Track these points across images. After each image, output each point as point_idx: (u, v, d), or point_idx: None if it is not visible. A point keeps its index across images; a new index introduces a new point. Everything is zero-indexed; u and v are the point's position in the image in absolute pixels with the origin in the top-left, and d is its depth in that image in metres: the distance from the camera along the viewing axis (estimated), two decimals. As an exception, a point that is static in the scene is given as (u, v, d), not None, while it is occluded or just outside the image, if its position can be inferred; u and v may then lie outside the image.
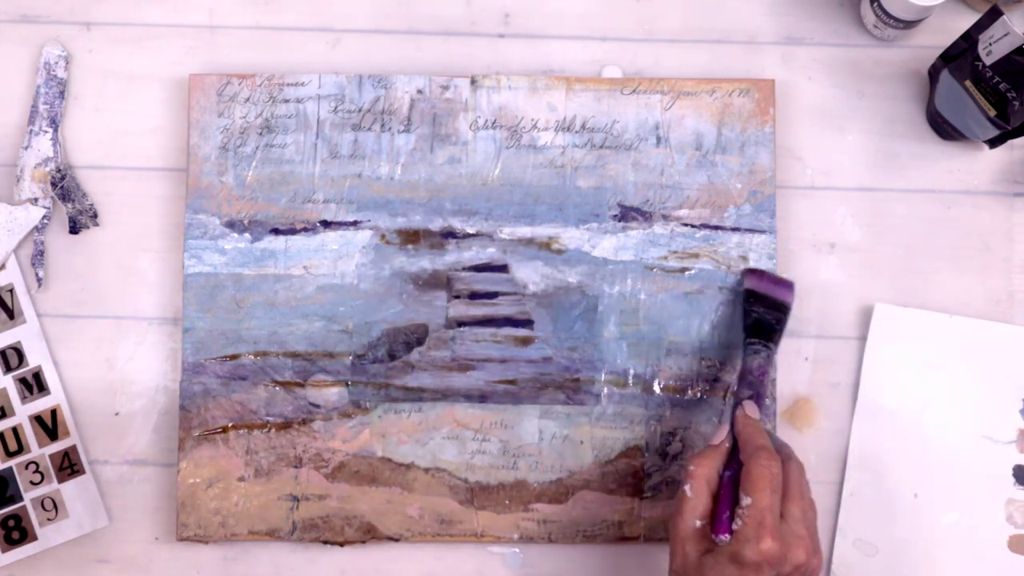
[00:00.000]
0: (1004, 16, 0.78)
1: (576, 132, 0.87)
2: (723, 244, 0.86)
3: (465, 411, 0.85)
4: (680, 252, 0.86)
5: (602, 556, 0.86)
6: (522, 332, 0.86)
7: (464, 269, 0.86)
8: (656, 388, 0.85)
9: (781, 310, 0.83)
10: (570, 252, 0.86)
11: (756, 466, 0.72)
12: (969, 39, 0.82)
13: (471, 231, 0.86)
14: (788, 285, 0.84)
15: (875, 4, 0.86)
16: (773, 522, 0.71)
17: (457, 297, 0.86)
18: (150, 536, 0.86)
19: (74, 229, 0.87)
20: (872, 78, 0.89)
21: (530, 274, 0.86)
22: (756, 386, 0.79)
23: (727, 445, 0.76)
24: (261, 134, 0.86)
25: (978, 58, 0.80)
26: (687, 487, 0.73)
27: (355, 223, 0.86)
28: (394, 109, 0.87)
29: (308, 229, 0.86)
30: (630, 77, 0.88)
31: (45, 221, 0.87)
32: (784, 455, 0.76)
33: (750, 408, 0.78)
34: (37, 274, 0.87)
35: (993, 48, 0.79)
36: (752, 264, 0.86)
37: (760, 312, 0.82)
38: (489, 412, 0.85)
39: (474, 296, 0.86)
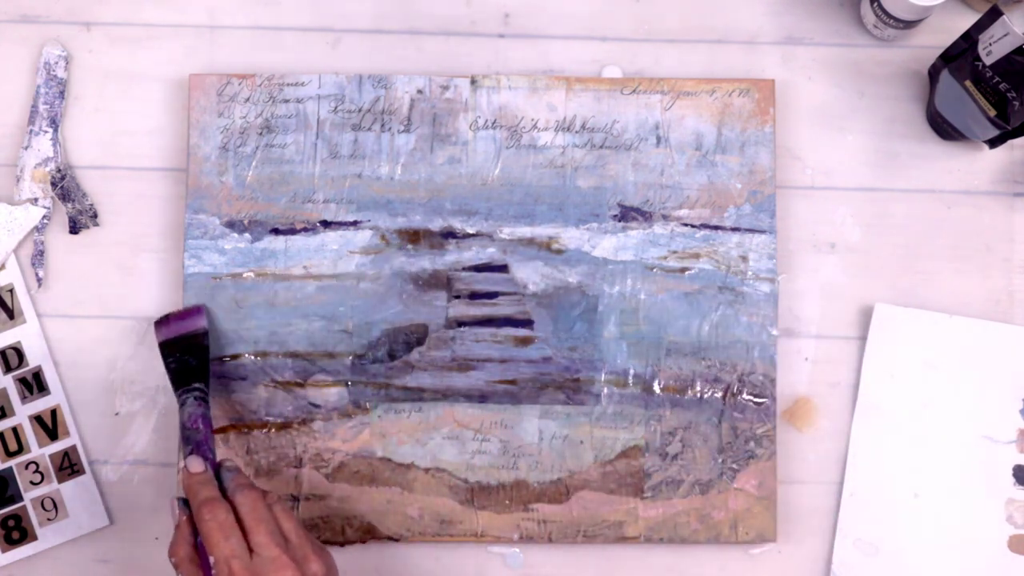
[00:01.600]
0: (1004, 16, 0.78)
1: (576, 132, 0.87)
2: (723, 244, 0.86)
3: (465, 411, 0.85)
4: (680, 252, 0.86)
5: (602, 556, 0.86)
6: (522, 332, 0.86)
7: (464, 269, 0.86)
8: (656, 388, 0.85)
9: (198, 339, 0.82)
10: (570, 252, 0.86)
11: (203, 523, 0.72)
12: (969, 39, 0.82)
13: (471, 231, 0.86)
14: (196, 311, 0.83)
15: (875, 4, 0.86)
16: (241, 566, 0.71)
17: (457, 297, 0.86)
18: (150, 536, 0.86)
19: (74, 229, 0.87)
20: (872, 78, 0.89)
21: (530, 274, 0.86)
22: (194, 436, 0.78)
23: (185, 516, 0.75)
24: (261, 134, 0.86)
25: (978, 58, 0.80)
26: None
27: (355, 223, 0.86)
28: (394, 109, 0.87)
29: (308, 229, 0.86)
30: (630, 77, 0.88)
31: (45, 221, 0.87)
32: (234, 487, 0.75)
33: (192, 464, 0.76)
34: (37, 274, 0.87)
35: (993, 48, 0.79)
36: (751, 264, 0.86)
37: (176, 358, 0.81)
38: (489, 412, 0.85)
39: (474, 296, 0.86)
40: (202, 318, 0.83)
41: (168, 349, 0.82)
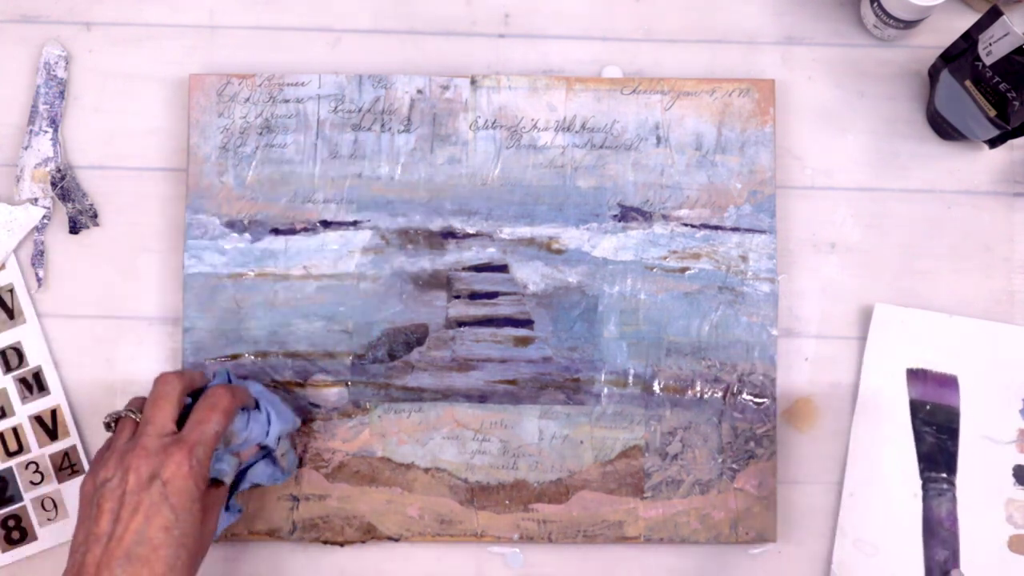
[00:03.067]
0: (1004, 16, 0.78)
1: (576, 132, 0.87)
2: (723, 244, 0.86)
3: (465, 411, 0.85)
4: (680, 252, 0.86)
5: (602, 556, 0.86)
6: (522, 332, 0.86)
7: (464, 269, 0.86)
8: (656, 388, 0.85)
9: (951, 420, 0.78)
10: (570, 252, 0.86)
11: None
12: (969, 39, 0.82)
13: (471, 231, 0.86)
14: (952, 382, 0.80)
15: (875, 4, 0.86)
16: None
17: (457, 297, 0.86)
18: (150, 536, 0.86)
19: (74, 229, 0.87)
20: (872, 78, 0.89)
21: (530, 274, 0.86)
22: (952, 543, 0.74)
23: None
24: (261, 134, 0.86)
25: (978, 58, 0.80)
26: None
27: (355, 223, 0.86)
28: (394, 109, 0.87)
29: (308, 229, 0.86)
30: (630, 77, 0.88)
31: (45, 221, 0.87)
32: None
33: None
34: (37, 274, 0.87)
35: (993, 48, 0.79)
36: (751, 264, 0.86)
37: (933, 432, 0.74)
38: (489, 412, 0.85)
39: (474, 296, 0.86)
40: (957, 396, 0.79)
41: (921, 411, 0.79)
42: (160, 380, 0.76)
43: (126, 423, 0.76)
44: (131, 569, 0.69)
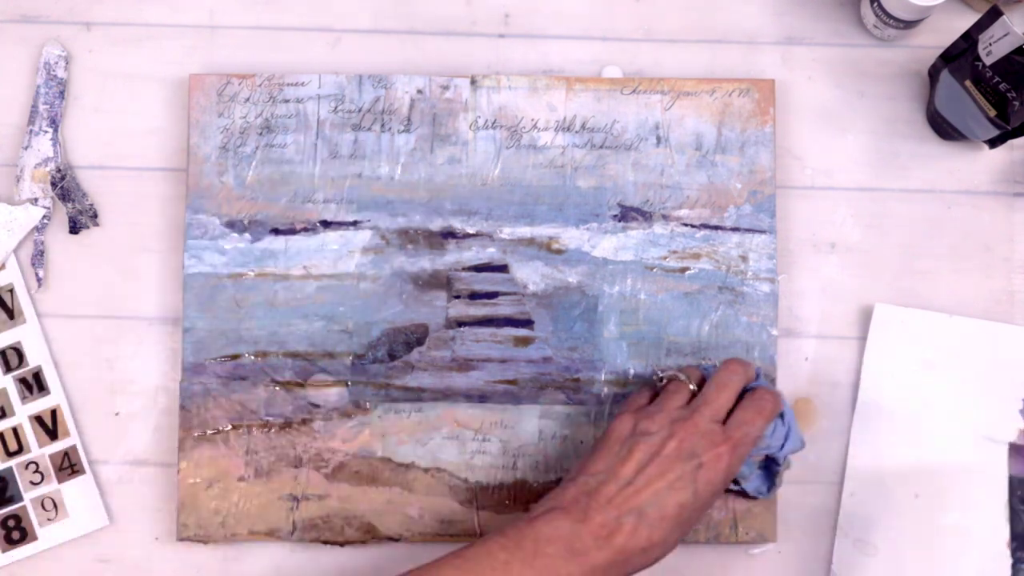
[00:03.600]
0: (1004, 16, 0.78)
1: (576, 132, 0.87)
2: (723, 244, 0.86)
3: (465, 411, 0.85)
4: (680, 252, 0.86)
5: (602, 556, 0.86)
6: (522, 332, 0.86)
7: (464, 269, 0.86)
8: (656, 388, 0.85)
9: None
10: (570, 252, 0.86)
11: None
12: (969, 39, 0.82)
13: (471, 231, 0.86)
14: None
15: (875, 4, 0.86)
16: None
17: (457, 297, 0.86)
18: (150, 536, 0.86)
19: (74, 229, 0.87)
20: (872, 78, 0.89)
21: (530, 274, 0.86)
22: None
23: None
24: (261, 134, 0.86)
25: (978, 58, 0.80)
26: None
27: (355, 223, 0.86)
28: (394, 109, 0.87)
29: (308, 229, 0.86)
30: (630, 77, 0.88)
31: (45, 221, 0.87)
32: None
33: None
34: (37, 274, 0.87)
35: (993, 48, 0.79)
36: (751, 264, 0.86)
37: None
38: (489, 412, 0.85)
39: (474, 296, 0.86)
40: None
41: (1020, 488, 0.81)
42: (728, 367, 0.78)
43: (681, 389, 0.78)
44: (636, 523, 0.72)
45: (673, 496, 0.73)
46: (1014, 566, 0.77)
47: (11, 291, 0.87)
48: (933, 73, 0.87)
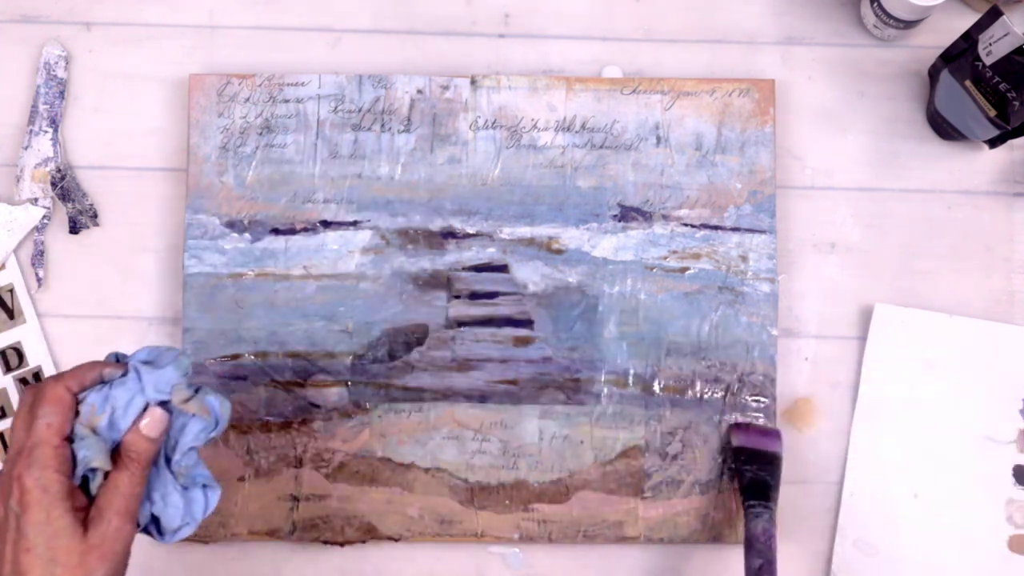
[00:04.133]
0: (1004, 16, 0.78)
1: (576, 132, 0.87)
2: (723, 244, 0.86)
3: (465, 411, 0.85)
4: (680, 252, 0.86)
5: (602, 556, 0.86)
6: (522, 332, 0.86)
7: (464, 269, 0.86)
8: (656, 388, 0.85)
9: (773, 463, 0.83)
10: (570, 252, 0.86)
11: None
12: (969, 39, 0.82)
13: (471, 231, 0.86)
14: (776, 435, 0.84)
15: (875, 4, 0.86)
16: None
17: (457, 297, 0.86)
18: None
19: (74, 229, 0.87)
20: (872, 78, 0.89)
21: (530, 274, 0.86)
22: (765, 553, 0.79)
23: None
24: (261, 134, 0.86)
25: (978, 58, 0.80)
26: None
27: (355, 223, 0.86)
28: (394, 109, 0.87)
29: (308, 229, 0.86)
30: (630, 77, 0.88)
31: (45, 221, 0.87)
32: None
33: None
34: (37, 274, 0.87)
35: (993, 48, 0.79)
36: (751, 264, 0.86)
37: (753, 470, 0.82)
38: (489, 412, 0.85)
39: (474, 296, 0.86)
40: (780, 445, 0.83)
41: (745, 456, 0.83)
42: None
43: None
44: None
45: (19, 552, 0.62)
46: (746, 511, 0.81)
47: (11, 291, 0.87)
48: (933, 73, 0.87)
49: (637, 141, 0.87)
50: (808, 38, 0.90)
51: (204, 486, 0.71)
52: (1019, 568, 0.84)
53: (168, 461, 0.69)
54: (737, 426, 0.84)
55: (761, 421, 0.85)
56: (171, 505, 0.70)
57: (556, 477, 0.85)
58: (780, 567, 0.85)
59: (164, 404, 0.68)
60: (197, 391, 0.69)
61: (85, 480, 0.66)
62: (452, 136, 0.87)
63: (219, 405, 0.70)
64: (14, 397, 0.86)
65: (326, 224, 0.86)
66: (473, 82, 0.87)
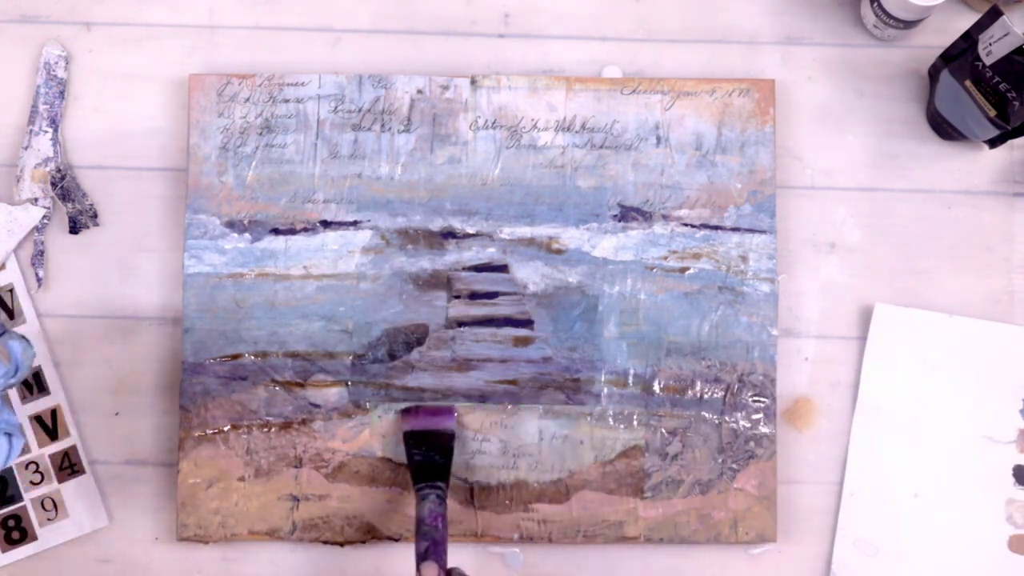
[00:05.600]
0: (1004, 16, 0.78)
1: (576, 132, 0.87)
2: (723, 244, 0.86)
3: (465, 411, 0.85)
4: (680, 252, 0.86)
5: (602, 556, 0.86)
6: (522, 332, 0.86)
7: (464, 269, 0.86)
8: (656, 388, 0.85)
9: (445, 440, 0.83)
10: (570, 252, 0.86)
11: None
12: (969, 39, 0.82)
13: (471, 231, 0.86)
14: (448, 412, 0.84)
15: (875, 4, 0.86)
16: None
17: (457, 297, 0.86)
18: (150, 536, 0.86)
19: (74, 229, 0.87)
20: (872, 78, 0.89)
21: (530, 274, 0.86)
22: (432, 534, 0.77)
23: None
24: (261, 134, 0.86)
25: (978, 58, 0.80)
26: None
27: (355, 223, 0.86)
28: (394, 109, 0.87)
29: (308, 229, 0.86)
30: (630, 77, 0.88)
31: (45, 221, 0.87)
32: None
33: (427, 570, 0.75)
34: (37, 274, 0.87)
35: (993, 48, 0.79)
36: (751, 264, 0.86)
37: (423, 452, 0.82)
38: (489, 412, 0.85)
39: (474, 296, 0.86)
40: (452, 420, 0.84)
41: (413, 440, 0.83)
42: None
43: None
44: None
45: None
46: (417, 492, 0.80)
47: (11, 291, 0.87)
48: (933, 73, 0.87)
49: (637, 141, 0.87)
50: (808, 38, 0.90)
51: (8, 434, 0.69)
52: (1019, 568, 0.84)
53: None
54: (406, 411, 0.84)
55: (761, 421, 0.85)
56: None
57: (556, 477, 0.85)
58: (779, 567, 0.85)
59: None
60: (1, 335, 0.68)
61: None
62: (452, 136, 0.87)
63: (21, 351, 0.68)
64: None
65: (326, 224, 0.86)
66: (473, 82, 0.87)
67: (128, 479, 0.86)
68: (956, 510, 0.85)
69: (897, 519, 0.85)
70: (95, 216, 0.88)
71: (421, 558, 0.76)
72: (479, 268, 0.86)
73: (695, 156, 0.87)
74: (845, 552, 0.85)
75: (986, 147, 0.87)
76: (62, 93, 0.88)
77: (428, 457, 0.82)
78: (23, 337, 0.69)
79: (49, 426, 0.86)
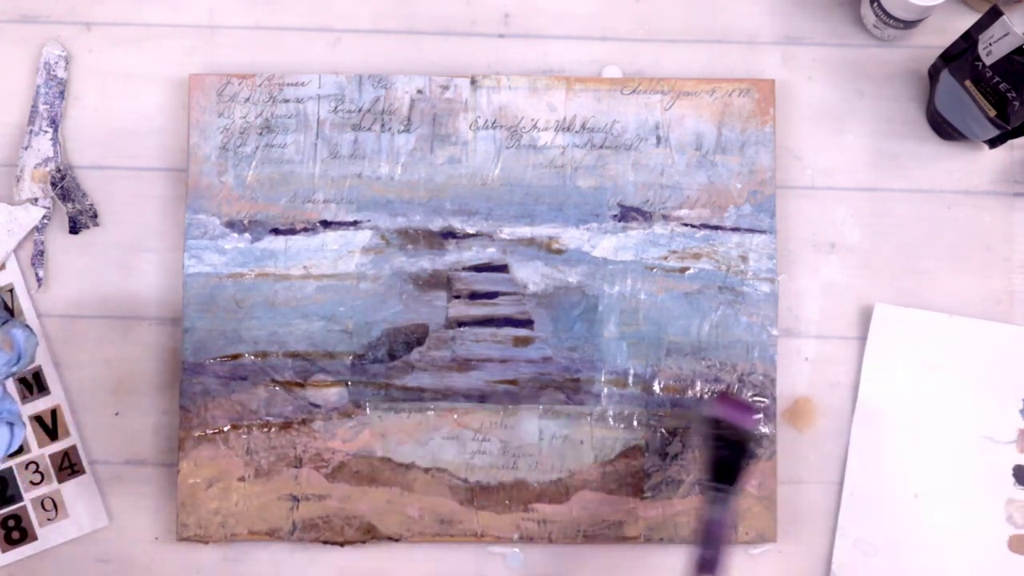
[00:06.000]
0: (1004, 16, 0.78)
1: (576, 132, 0.87)
2: (723, 244, 0.86)
3: (465, 411, 0.85)
4: (680, 252, 0.86)
5: (602, 556, 0.86)
6: (522, 332, 0.86)
7: (464, 269, 0.86)
8: (656, 388, 0.85)
9: (748, 440, 0.79)
10: (570, 252, 0.86)
11: None
12: (969, 39, 0.82)
13: (471, 231, 0.86)
14: (755, 411, 0.82)
15: (875, 4, 0.86)
16: None
17: (457, 297, 0.86)
18: (150, 536, 0.86)
19: (74, 229, 0.87)
20: (872, 78, 0.89)
21: (530, 274, 0.86)
22: (717, 544, 0.75)
23: None
24: (261, 134, 0.86)
25: (978, 58, 0.80)
26: None
27: (355, 223, 0.86)
28: (394, 109, 0.87)
29: (308, 229, 0.86)
30: (630, 77, 0.88)
31: (45, 221, 0.87)
32: None
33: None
34: (37, 274, 0.87)
35: (993, 48, 0.79)
36: (751, 264, 0.86)
37: (723, 448, 0.78)
38: (489, 412, 0.85)
39: (474, 296, 0.86)
40: (758, 423, 0.81)
41: (719, 429, 0.78)
42: None
43: None
44: None
45: None
46: (706, 495, 0.77)
47: (11, 291, 0.87)
48: (933, 73, 0.87)
49: (637, 141, 0.87)
50: (808, 38, 0.90)
51: (10, 424, 0.69)
52: (1019, 568, 0.84)
53: None
54: (722, 397, 0.81)
55: (761, 421, 0.85)
56: None
57: (556, 477, 0.85)
58: (779, 567, 0.85)
59: None
60: (4, 323, 0.68)
61: None
62: (452, 136, 0.87)
63: (24, 339, 0.68)
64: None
65: (326, 224, 0.86)
66: (473, 82, 0.87)
67: (128, 479, 0.86)
68: (956, 510, 0.85)
69: (897, 519, 0.85)
70: (95, 216, 0.88)
71: (705, 567, 0.73)
72: (479, 268, 0.86)
73: (695, 156, 0.87)
74: (845, 552, 0.85)
75: (986, 147, 0.87)
76: (62, 93, 0.88)
77: (730, 453, 0.77)
78: (26, 325, 0.69)
79: (49, 426, 0.86)
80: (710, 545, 0.75)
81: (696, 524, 0.76)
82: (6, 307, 0.86)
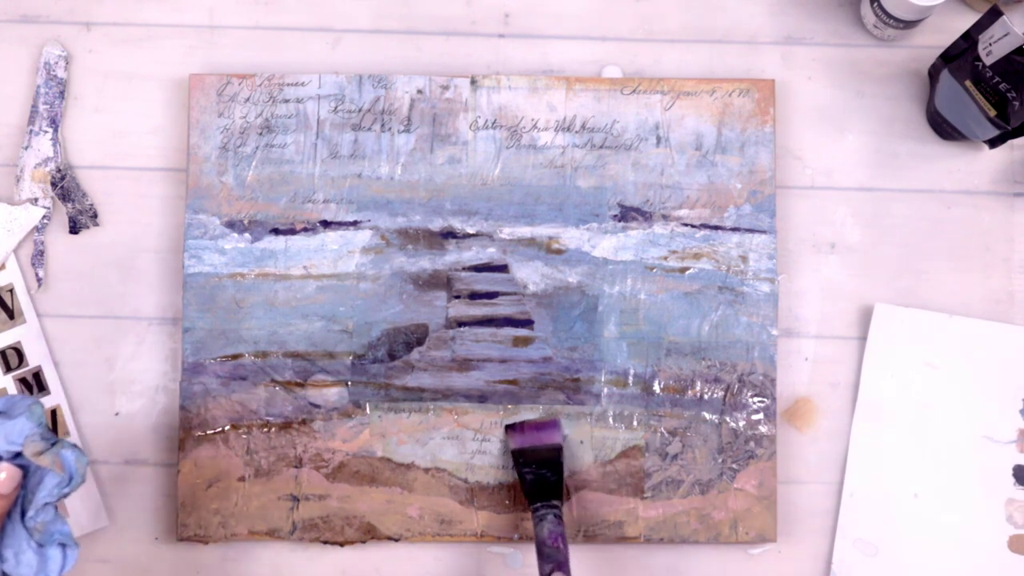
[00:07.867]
0: (1004, 16, 0.78)
1: (576, 132, 0.87)
2: (723, 244, 0.86)
3: (465, 411, 0.85)
4: (680, 252, 0.86)
5: (602, 556, 0.86)
6: (522, 332, 0.86)
7: (464, 269, 0.86)
8: (656, 388, 0.85)
9: (554, 455, 0.82)
10: (570, 252, 0.86)
11: None
12: (969, 39, 0.82)
13: (471, 231, 0.86)
14: (552, 424, 0.83)
15: (875, 4, 0.86)
16: None
17: (457, 297, 0.86)
18: (150, 536, 0.86)
19: (74, 229, 0.87)
20: (872, 78, 0.89)
21: (530, 274, 0.86)
22: (555, 556, 0.77)
23: None
24: (261, 134, 0.86)
25: (978, 58, 0.80)
26: None
27: (355, 223, 0.86)
28: (394, 109, 0.87)
29: (308, 229, 0.86)
30: (630, 77, 0.88)
31: (45, 221, 0.87)
32: None
33: None
34: (37, 274, 0.87)
35: (993, 48, 0.79)
36: (751, 264, 0.86)
37: (533, 471, 0.81)
38: (489, 412, 0.85)
39: (474, 296, 0.86)
40: (558, 433, 0.83)
41: (523, 458, 0.82)
42: None
43: None
44: None
45: None
46: (534, 513, 0.79)
47: (11, 291, 0.87)
48: (933, 73, 0.87)
49: (637, 141, 0.87)
50: (808, 38, 0.90)
51: (63, 545, 0.68)
52: (1019, 568, 0.84)
53: (25, 516, 0.68)
54: (511, 427, 0.84)
55: (761, 421, 0.85)
56: (24, 564, 0.67)
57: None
58: (779, 567, 0.85)
59: (20, 457, 0.67)
60: (54, 444, 0.68)
61: None
62: (452, 136, 0.87)
63: (74, 460, 0.68)
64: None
65: (326, 224, 0.86)
66: (473, 82, 0.87)
67: (128, 479, 0.86)
68: (956, 510, 0.85)
69: (897, 519, 0.85)
70: (95, 216, 0.88)
71: (557, 570, 0.76)
72: (479, 268, 0.86)
73: (695, 156, 0.87)
74: (845, 552, 0.85)
75: (986, 147, 0.87)
76: (62, 93, 0.88)
77: (540, 475, 0.81)
78: (75, 446, 0.69)
79: (49, 426, 0.86)
80: (557, 555, 0.77)
81: (536, 542, 0.78)
82: (5, 308, 0.86)
